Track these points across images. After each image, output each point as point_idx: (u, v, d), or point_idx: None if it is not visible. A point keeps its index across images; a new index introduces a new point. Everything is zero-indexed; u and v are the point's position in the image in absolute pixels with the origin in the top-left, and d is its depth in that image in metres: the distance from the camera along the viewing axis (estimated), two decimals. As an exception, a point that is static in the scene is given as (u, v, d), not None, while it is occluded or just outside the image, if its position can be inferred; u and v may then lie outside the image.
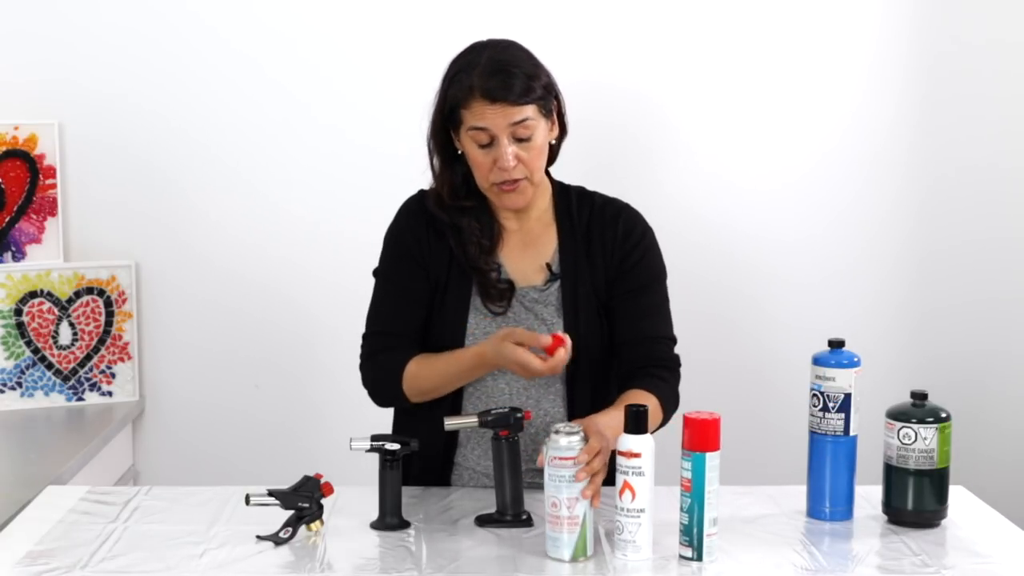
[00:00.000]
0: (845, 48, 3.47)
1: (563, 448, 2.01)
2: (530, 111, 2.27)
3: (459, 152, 2.36)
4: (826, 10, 3.46)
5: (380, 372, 2.40)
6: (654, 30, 3.44)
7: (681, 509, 2.03)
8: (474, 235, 2.38)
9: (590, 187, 2.50)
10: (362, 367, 2.44)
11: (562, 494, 2.00)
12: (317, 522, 2.13)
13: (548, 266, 2.40)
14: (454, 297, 2.38)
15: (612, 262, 2.40)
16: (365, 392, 2.44)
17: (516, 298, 2.38)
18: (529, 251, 2.42)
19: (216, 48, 3.39)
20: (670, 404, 2.37)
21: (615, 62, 3.41)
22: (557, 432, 2.02)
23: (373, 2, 3.41)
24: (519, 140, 2.28)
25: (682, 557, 2.03)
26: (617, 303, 2.41)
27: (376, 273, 2.47)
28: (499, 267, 2.39)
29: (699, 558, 2.01)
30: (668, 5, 3.44)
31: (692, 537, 2.01)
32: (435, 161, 2.39)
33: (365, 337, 2.45)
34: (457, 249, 2.38)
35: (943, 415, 2.21)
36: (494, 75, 2.25)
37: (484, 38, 2.36)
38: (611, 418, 2.15)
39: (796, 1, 3.46)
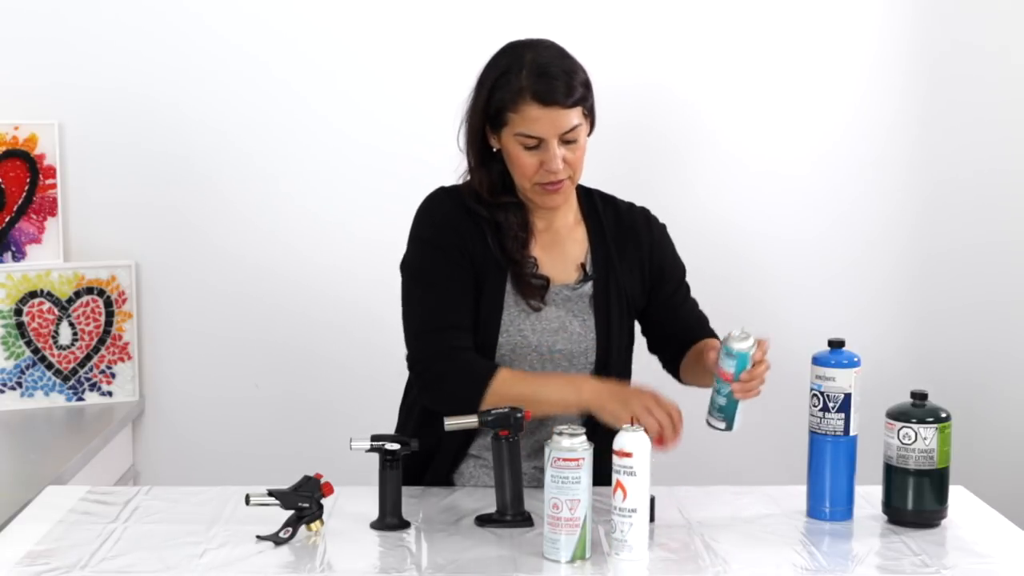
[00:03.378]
0: (845, 49, 3.47)
1: (565, 449, 2.01)
2: (578, 114, 2.27)
3: (494, 150, 2.35)
4: (826, 11, 3.46)
5: (464, 374, 2.29)
6: (649, 30, 3.44)
7: (718, 392, 2.18)
8: (512, 229, 2.36)
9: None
10: (430, 365, 2.32)
11: (564, 495, 2.00)
12: (317, 522, 2.13)
13: (582, 266, 2.40)
14: (489, 293, 2.36)
15: (650, 267, 2.45)
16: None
17: (548, 296, 2.38)
18: (558, 250, 2.41)
19: (216, 48, 3.39)
20: None
21: (610, 63, 3.41)
22: (560, 433, 2.02)
23: (372, 1, 3.41)
24: (566, 142, 2.28)
25: (711, 427, 2.20)
26: (657, 305, 2.47)
27: (411, 269, 2.39)
28: (535, 261, 2.38)
29: (731, 428, 2.19)
30: (665, 5, 3.44)
31: (727, 413, 2.16)
32: (471, 159, 2.37)
33: (423, 334, 2.33)
34: (495, 244, 2.35)
35: (943, 415, 2.21)
36: (542, 76, 2.24)
37: (522, 39, 2.35)
38: None
39: (797, 2, 3.46)
